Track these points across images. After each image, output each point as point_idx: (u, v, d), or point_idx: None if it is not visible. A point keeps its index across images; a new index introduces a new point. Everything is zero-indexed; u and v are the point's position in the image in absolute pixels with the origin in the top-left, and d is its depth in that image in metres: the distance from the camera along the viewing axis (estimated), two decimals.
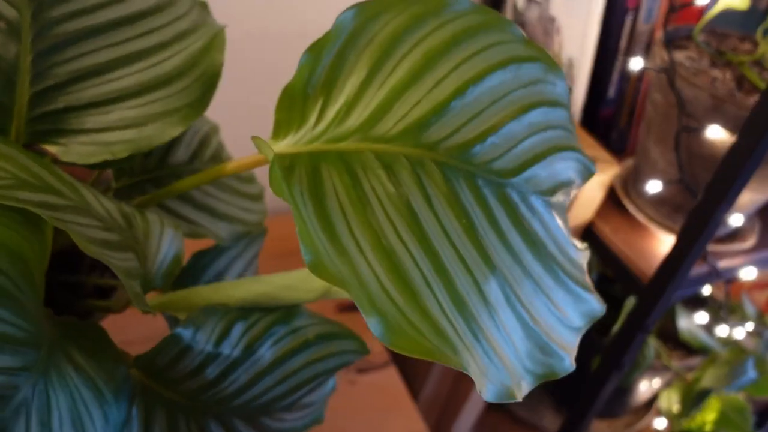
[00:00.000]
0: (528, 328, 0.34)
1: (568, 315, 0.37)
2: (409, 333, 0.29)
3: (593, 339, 1.08)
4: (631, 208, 0.81)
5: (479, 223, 0.35)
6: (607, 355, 0.83)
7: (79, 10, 0.43)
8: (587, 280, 0.39)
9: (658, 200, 0.79)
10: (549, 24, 0.85)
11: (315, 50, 0.36)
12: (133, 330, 0.49)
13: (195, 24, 0.46)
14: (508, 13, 0.94)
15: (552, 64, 0.39)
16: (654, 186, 0.77)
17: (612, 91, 0.84)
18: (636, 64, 0.76)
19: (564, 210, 0.40)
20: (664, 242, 0.79)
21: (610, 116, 0.86)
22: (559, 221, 0.39)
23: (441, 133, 0.36)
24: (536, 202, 0.38)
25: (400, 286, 0.31)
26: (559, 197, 0.40)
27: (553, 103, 0.39)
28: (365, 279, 0.30)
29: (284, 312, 0.44)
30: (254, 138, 0.36)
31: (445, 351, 0.30)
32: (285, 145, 0.36)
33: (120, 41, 0.44)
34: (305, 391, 0.47)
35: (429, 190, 0.35)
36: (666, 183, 0.76)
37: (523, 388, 0.33)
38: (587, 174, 0.41)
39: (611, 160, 0.78)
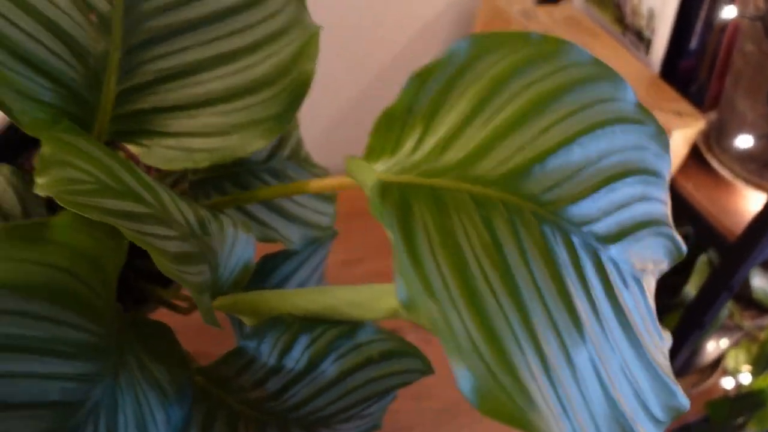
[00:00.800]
0: (614, 408, 0.32)
1: (652, 404, 0.34)
2: (499, 396, 0.27)
3: (663, 299, 1.07)
4: (715, 164, 0.79)
5: (573, 287, 0.33)
6: (688, 315, 0.82)
7: (173, 2, 0.42)
8: (671, 372, 0.37)
9: (745, 156, 0.77)
10: None
11: (421, 77, 0.35)
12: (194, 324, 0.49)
13: (288, 23, 0.44)
14: None
15: (660, 132, 0.38)
16: (742, 141, 0.74)
17: (694, 42, 0.81)
18: (728, 12, 0.73)
19: (653, 291, 0.38)
20: (750, 199, 0.78)
21: (690, 68, 0.83)
22: (650, 300, 0.37)
23: (542, 184, 0.34)
24: (629, 275, 0.36)
25: (489, 341, 0.29)
26: (649, 276, 0.38)
27: (654, 174, 0.38)
28: (455, 328, 0.28)
29: (349, 326, 0.43)
30: (349, 159, 0.36)
31: (534, 420, 0.27)
32: (377, 170, 0.35)
33: (210, 39, 0.42)
34: (366, 406, 0.46)
35: (524, 243, 0.32)
36: (756, 138, 0.74)
37: None
38: (678, 255, 0.39)
39: (696, 114, 0.76)
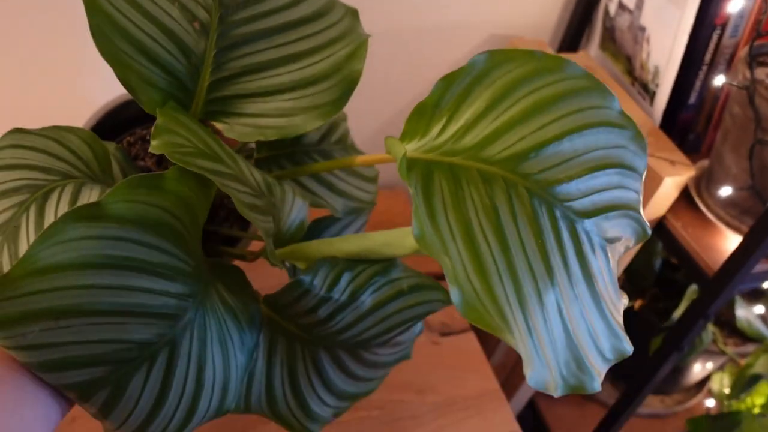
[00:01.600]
0: (571, 341, 0.39)
1: (603, 344, 0.41)
2: (479, 309, 0.35)
3: (654, 322, 1.16)
4: (702, 207, 0.86)
5: (550, 246, 0.40)
6: (670, 337, 0.90)
7: (256, 14, 0.51)
8: (622, 324, 0.43)
9: (728, 202, 0.84)
10: (639, 32, 0.91)
11: (448, 79, 0.44)
12: (258, 274, 0.58)
13: (344, 32, 0.53)
14: (600, 18, 1.01)
15: (639, 136, 0.44)
16: (726, 190, 0.83)
17: (693, 98, 0.91)
18: (719, 80, 0.82)
19: (617, 259, 0.45)
20: (730, 240, 0.84)
21: (689, 120, 0.92)
22: (614, 267, 0.44)
23: (536, 167, 0.42)
24: (598, 244, 0.43)
25: (478, 271, 0.37)
26: (617, 247, 0.44)
27: (631, 168, 0.44)
28: (453, 258, 0.37)
29: (384, 265, 0.51)
30: (387, 138, 0.44)
31: (504, 331, 0.36)
32: (408, 149, 0.44)
33: (283, 43, 0.51)
34: (397, 332, 0.54)
35: (516, 209, 0.40)
36: (737, 188, 0.82)
37: (558, 389, 0.37)
38: (643, 235, 0.46)
39: (688, 163, 0.85)
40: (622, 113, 0.44)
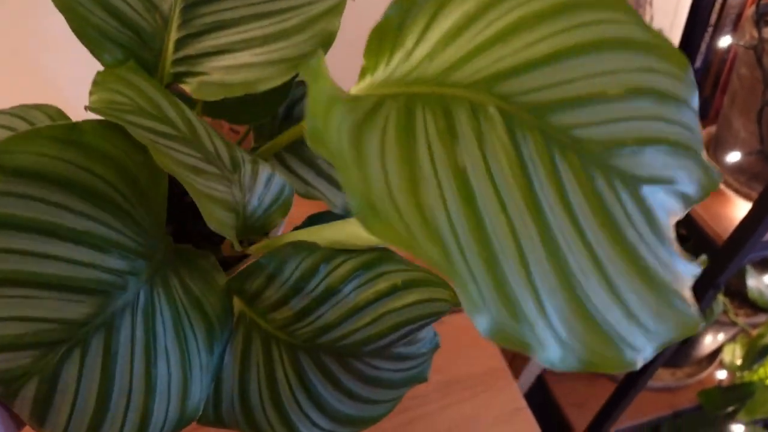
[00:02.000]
0: (573, 298, 0.27)
1: (633, 305, 0.28)
2: (390, 224, 0.24)
3: None
4: None
5: (538, 183, 0.29)
6: None
7: None
8: (686, 293, 0.30)
9: (737, 168, 0.81)
10: None
11: None
12: None
13: None
14: None
15: (676, 55, 0.32)
16: (734, 156, 0.79)
17: (699, 62, 0.87)
18: (724, 41, 0.79)
19: (666, 209, 0.31)
20: (739, 207, 0.81)
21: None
22: (658, 218, 0.31)
23: (517, 88, 0.31)
24: (621, 188, 0.30)
25: (409, 190, 0.26)
26: (663, 197, 0.31)
27: (670, 97, 0.32)
28: (373, 172, 0.25)
29: (372, 256, 0.43)
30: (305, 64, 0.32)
31: (420, 247, 0.24)
32: (364, 85, 0.34)
33: (258, 2, 0.48)
34: (394, 337, 0.45)
35: (485, 135, 0.29)
36: (746, 153, 0.79)
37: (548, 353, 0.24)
38: (707, 185, 0.32)
39: None
40: (649, 28, 0.32)
